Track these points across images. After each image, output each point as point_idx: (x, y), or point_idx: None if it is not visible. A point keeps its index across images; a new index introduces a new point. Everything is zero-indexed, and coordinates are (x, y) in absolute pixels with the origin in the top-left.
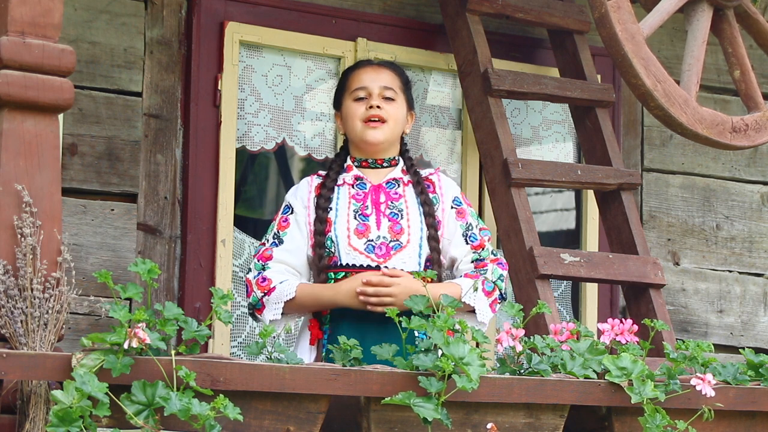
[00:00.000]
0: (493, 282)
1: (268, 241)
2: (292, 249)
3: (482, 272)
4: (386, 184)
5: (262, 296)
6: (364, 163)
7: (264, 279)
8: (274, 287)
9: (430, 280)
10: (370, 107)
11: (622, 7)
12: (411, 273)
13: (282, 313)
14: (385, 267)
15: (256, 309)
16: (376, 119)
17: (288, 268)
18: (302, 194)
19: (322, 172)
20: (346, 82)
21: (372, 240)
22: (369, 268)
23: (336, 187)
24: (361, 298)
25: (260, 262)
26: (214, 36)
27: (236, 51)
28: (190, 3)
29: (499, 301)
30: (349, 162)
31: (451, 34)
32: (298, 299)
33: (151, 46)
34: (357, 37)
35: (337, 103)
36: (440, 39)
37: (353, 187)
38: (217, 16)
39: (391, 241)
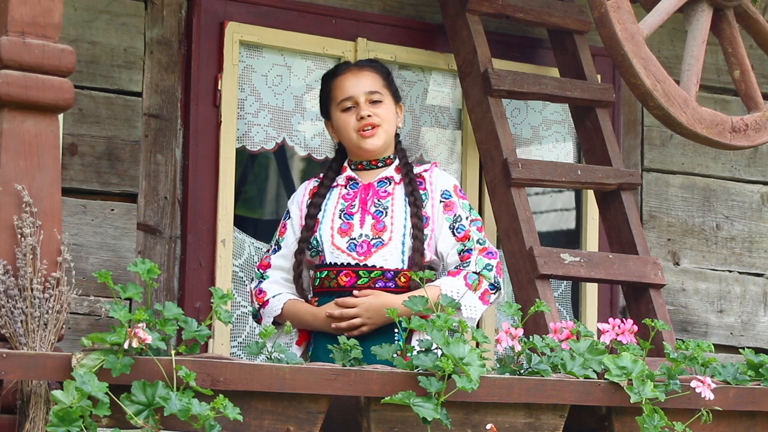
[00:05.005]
0: (477, 273)
1: (270, 248)
2: (286, 254)
3: (464, 265)
4: (377, 182)
5: (259, 308)
6: (359, 166)
7: (261, 291)
8: (268, 301)
9: (428, 280)
10: (361, 118)
11: (622, 6)
12: (410, 274)
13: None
14: (356, 289)
15: (257, 318)
16: (370, 127)
17: (284, 275)
18: (298, 198)
19: (322, 175)
20: (330, 92)
21: (354, 238)
22: (350, 266)
23: (330, 188)
24: (333, 325)
25: (260, 270)
26: (214, 36)
27: (236, 51)
28: (190, 3)
29: (491, 291)
30: (345, 164)
31: (451, 34)
32: (284, 316)
33: (151, 46)
34: (357, 37)
35: (325, 112)
36: (440, 39)
37: (345, 188)
38: (217, 16)
39: (373, 238)
